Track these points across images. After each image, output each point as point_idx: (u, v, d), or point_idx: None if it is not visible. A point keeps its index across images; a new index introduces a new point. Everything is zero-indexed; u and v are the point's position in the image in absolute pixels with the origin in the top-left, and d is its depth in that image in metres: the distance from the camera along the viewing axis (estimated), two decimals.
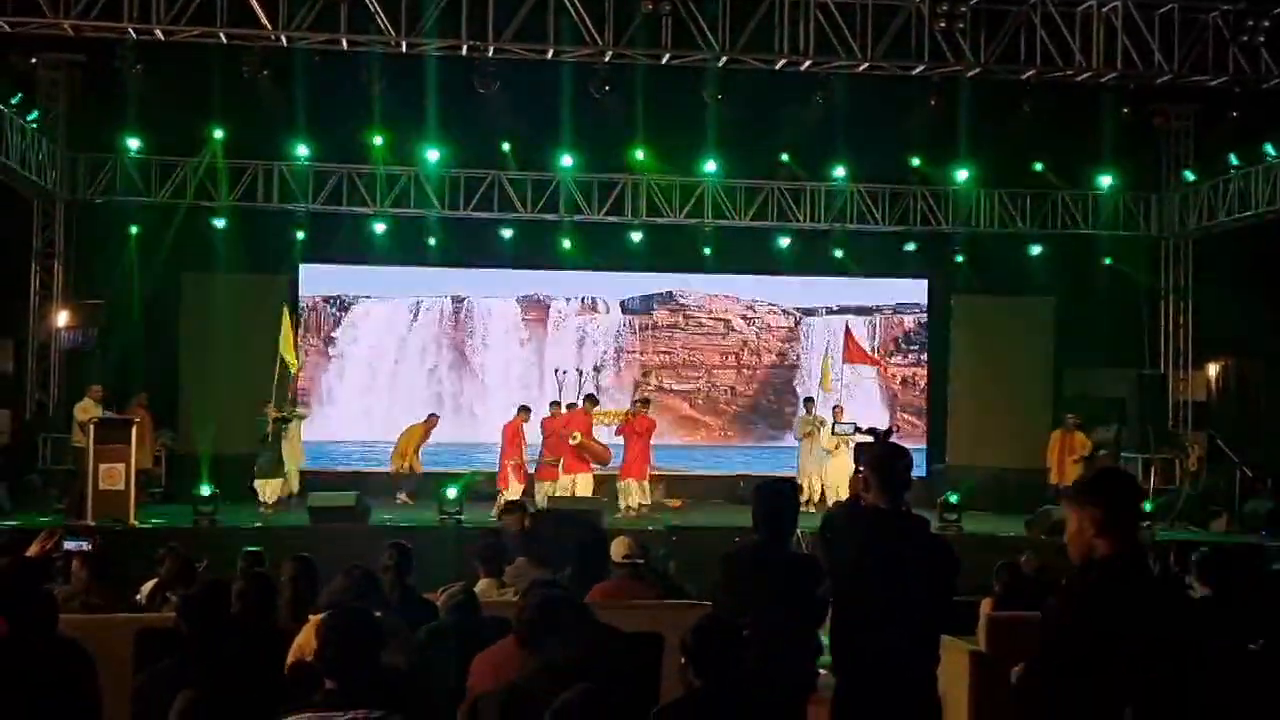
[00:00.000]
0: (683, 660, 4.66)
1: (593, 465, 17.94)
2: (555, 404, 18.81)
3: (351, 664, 4.38)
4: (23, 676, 5.10)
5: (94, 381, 18.20)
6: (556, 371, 20.58)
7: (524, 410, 18.47)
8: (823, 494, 18.56)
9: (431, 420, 19.42)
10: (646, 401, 19.17)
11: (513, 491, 17.51)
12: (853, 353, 20.58)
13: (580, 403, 18.78)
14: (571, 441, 17.84)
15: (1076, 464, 19.61)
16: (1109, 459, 20.27)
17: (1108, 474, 5.26)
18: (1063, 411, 20.51)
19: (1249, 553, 13.97)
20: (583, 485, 17.80)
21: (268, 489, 17.09)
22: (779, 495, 6.26)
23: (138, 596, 9.17)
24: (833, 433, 18.51)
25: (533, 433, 18.40)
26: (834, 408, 18.94)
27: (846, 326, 21.28)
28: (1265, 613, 7.70)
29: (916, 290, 23.02)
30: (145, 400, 18.00)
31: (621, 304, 22.80)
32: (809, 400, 19.73)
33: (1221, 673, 6.79)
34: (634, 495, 17.95)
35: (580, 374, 20.26)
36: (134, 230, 20.13)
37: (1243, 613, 7.62)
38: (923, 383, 23.03)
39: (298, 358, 18.49)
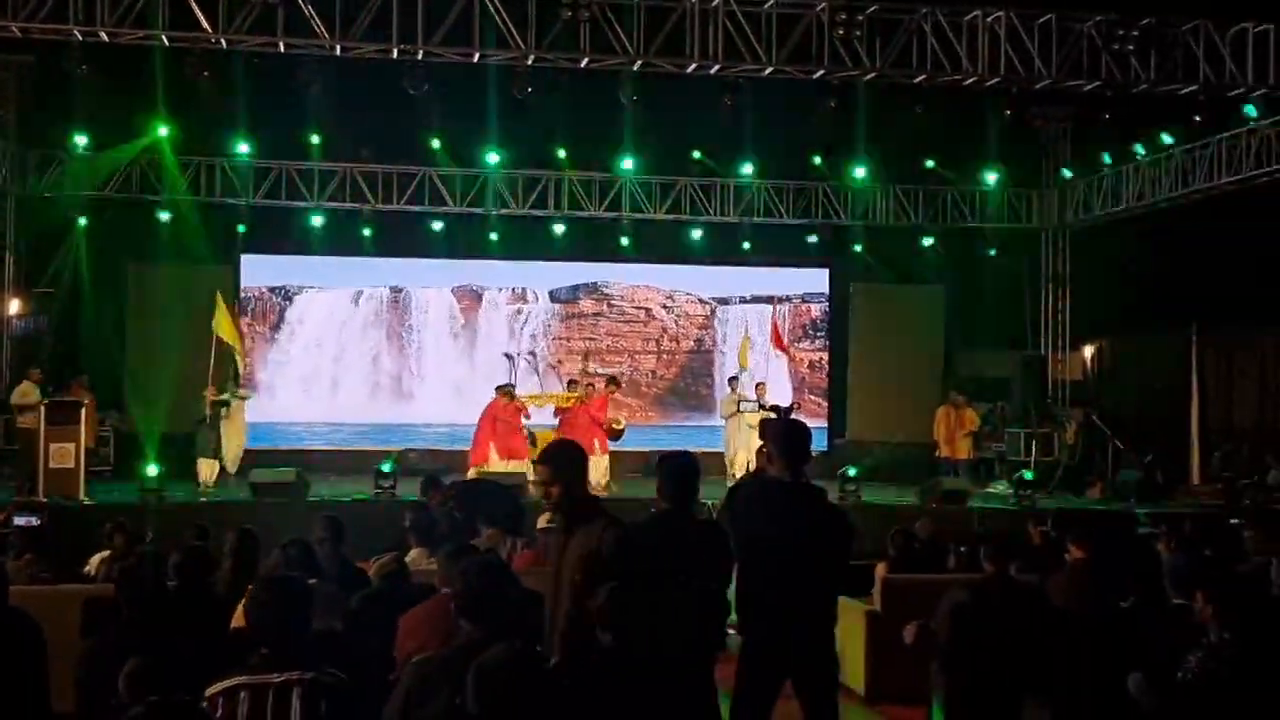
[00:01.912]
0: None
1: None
2: (505, 387, 18.48)
3: (282, 629, 4.33)
4: None
5: (44, 367, 18.00)
6: (509, 357, 20.21)
7: (506, 390, 18.23)
8: (749, 467, 18.56)
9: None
10: (590, 385, 19.05)
11: (492, 465, 17.35)
12: (776, 339, 20.66)
13: (599, 387, 18.61)
14: (617, 426, 17.88)
15: (966, 438, 19.85)
16: (993, 433, 20.62)
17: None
18: (957, 390, 20.74)
19: (1121, 519, 14.16)
20: (604, 466, 17.63)
21: (206, 469, 16.84)
22: (681, 467, 6.27)
23: (86, 569, 9.04)
24: (738, 409, 18.53)
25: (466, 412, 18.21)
26: (757, 385, 18.88)
27: (774, 314, 21.26)
28: (1135, 573, 7.82)
29: (819, 279, 23.13)
30: (85, 382, 17.66)
31: (550, 293, 22.72)
32: (733, 379, 19.52)
33: (1096, 631, 6.91)
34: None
35: (515, 358, 19.95)
36: (82, 222, 19.83)
37: (1115, 574, 7.74)
38: (828, 365, 23.15)
39: (241, 344, 18.18)
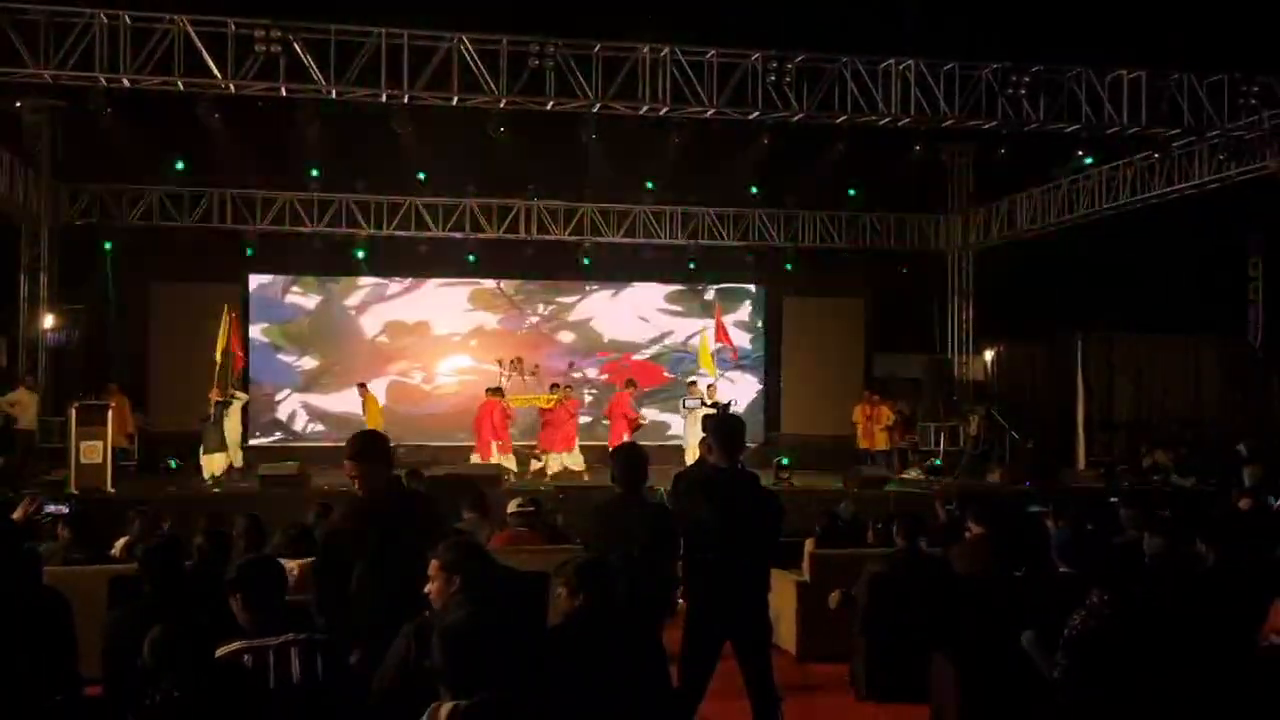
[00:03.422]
0: (560, 589, 4.65)
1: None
2: (496, 390, 18.40)
3: (266, 601, 4.37)
4: (10, 618, 4.97)
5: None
6: (500, 361, 20.06)
7: (497, 392, 18.17)
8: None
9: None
10: (569, 387, 19.00)
11: (494, 460, 17.27)
12: (720, 334, 20.59)
13: (622, 387, 18.73)
14: (632, 422, 17.98)
15: (884, 431, 19.98)
16: (904, 425, 20.77)
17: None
18: (870, 390, 20.91)
19: (1015, 499, 14.26)
20: None
21: (212, 464, 16.65)
22: (630, 456, 6.27)
23: (112, 551, 8.95)
24: (684, 405, 18.52)
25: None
26: (708, 386, 18.86)
27: (718, 310, 21.21)
28: (1027, 545, 7.90)
29: (756, 294, 23.16)
30: (116, 389, 17.55)
31: (522, 307, 22.59)
32: (692, 383, 19.50)
33: (993, 595, 6.98)
34: (554, 464, 17.89)
35: (504, 364, 19.81)
36: (108, 247, 19.69)
37: (1010, 546, 7.81)
38: (764, 368, 23.17)
39: (226, 350, 17.88)
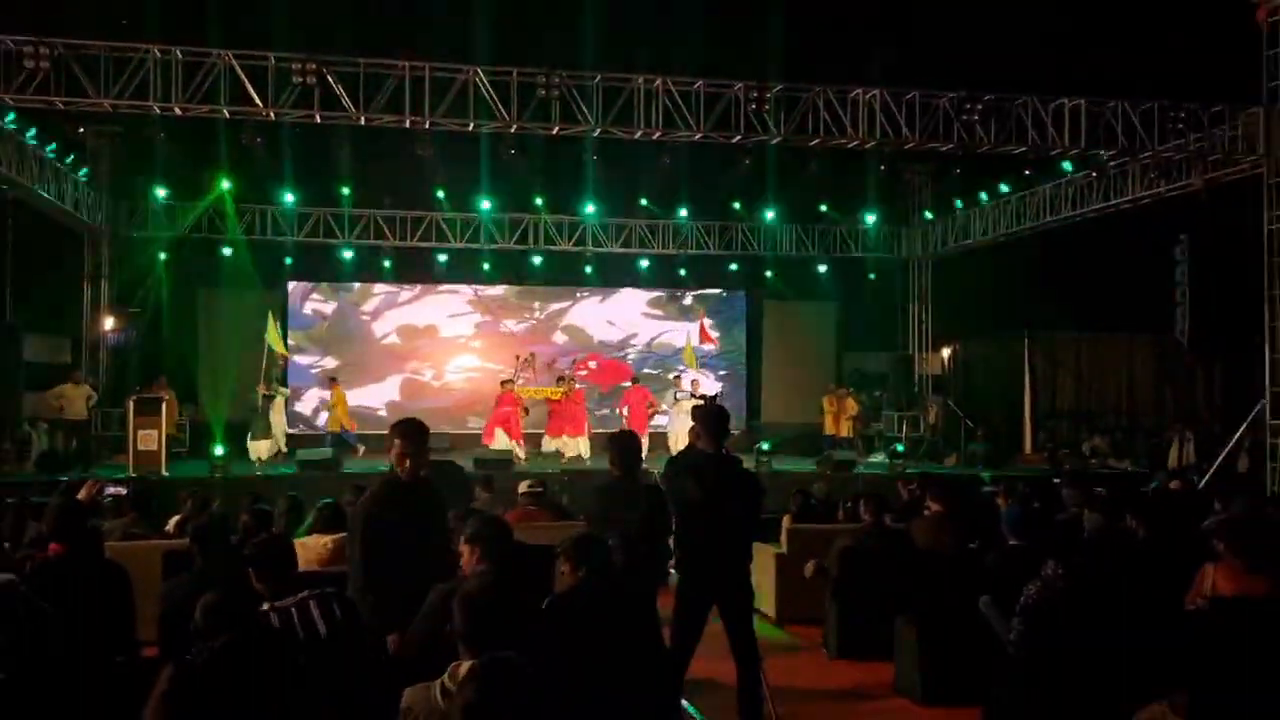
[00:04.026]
0: (563, 566, 4.65)
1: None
2: (508, 382, 18.42)
3: (276, 572, 4.43)
4: (75, 587, 4.98)
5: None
6: (518, 358, 20.00)
7: (509, 384, 18.16)
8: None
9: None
10: (573, 380, 18.96)
11: (498, 443, 17.24)
12: (704, 336, 20.66)
13: (630, 383, 18.78)
14: (651, 410, 18.08)
15: (849, 421, 19.96)
16: (868, 415, 20.77)
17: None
18: (841, 385, 20.89)
19: (970, 480, 14.27)
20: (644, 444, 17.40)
21: (259, 449, 16.62)
22: (627, 442, 6.27)
23: (166, 528, 8.95)
24: (675, 399, 18.52)
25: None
26: (691, 381, 18.88)
27: (701, 316, 21.32)
28: (980, 523, 7.90)
29: (739, 298, 23.15)
30: (165, 382, 17.54)
31: (531, 310, 22.54)
32: (677, 378, 19.50)
33: (950, 566, 6.98)
34: (571, 448, 17.83)
35: (520, 359, 19.75)
36: (162, 256, 19.65)
37: (965, 522, 7.82)
38: (746, 364, 23.15)
39: (286, 348, 17.94)
